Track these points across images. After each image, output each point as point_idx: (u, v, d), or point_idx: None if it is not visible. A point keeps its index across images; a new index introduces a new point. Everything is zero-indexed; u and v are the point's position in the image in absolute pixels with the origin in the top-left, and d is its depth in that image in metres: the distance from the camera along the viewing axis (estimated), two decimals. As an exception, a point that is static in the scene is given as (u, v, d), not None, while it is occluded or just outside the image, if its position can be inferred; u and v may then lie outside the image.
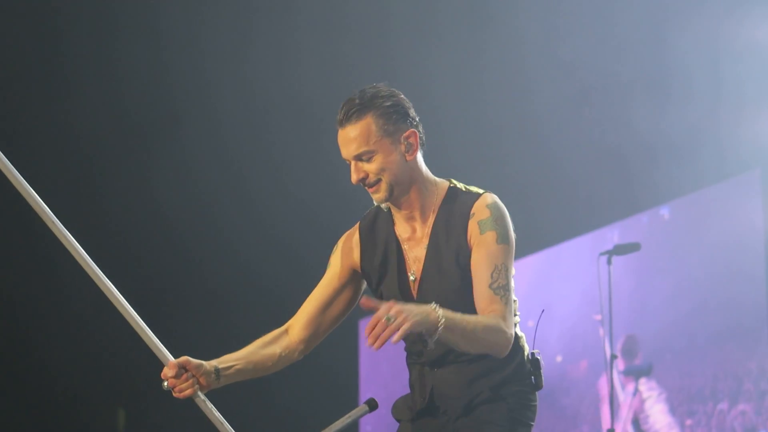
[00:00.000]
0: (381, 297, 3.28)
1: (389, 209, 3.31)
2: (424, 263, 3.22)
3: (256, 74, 8.22)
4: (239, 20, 8.14)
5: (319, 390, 8.69)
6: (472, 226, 3.15)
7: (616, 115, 7.68)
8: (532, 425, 3.20)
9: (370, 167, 3.17)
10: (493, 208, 3.17)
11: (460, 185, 3.28)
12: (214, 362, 3.18)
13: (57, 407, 8.72)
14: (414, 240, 3.26)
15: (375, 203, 3.24)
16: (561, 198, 7.85)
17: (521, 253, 7.88)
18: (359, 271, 3.35)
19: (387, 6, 7.86)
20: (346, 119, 3.17)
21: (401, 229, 3.28)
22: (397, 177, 3.18)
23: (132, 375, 8.68)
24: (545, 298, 7.64)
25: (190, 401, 3.12)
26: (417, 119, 3.24)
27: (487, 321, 3.03)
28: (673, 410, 6.93)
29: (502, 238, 3.15)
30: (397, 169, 3.18)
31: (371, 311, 2.92)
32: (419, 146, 3.22)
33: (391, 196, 3.19)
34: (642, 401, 7.09)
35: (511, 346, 3.08)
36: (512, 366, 3.17)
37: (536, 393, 3.23)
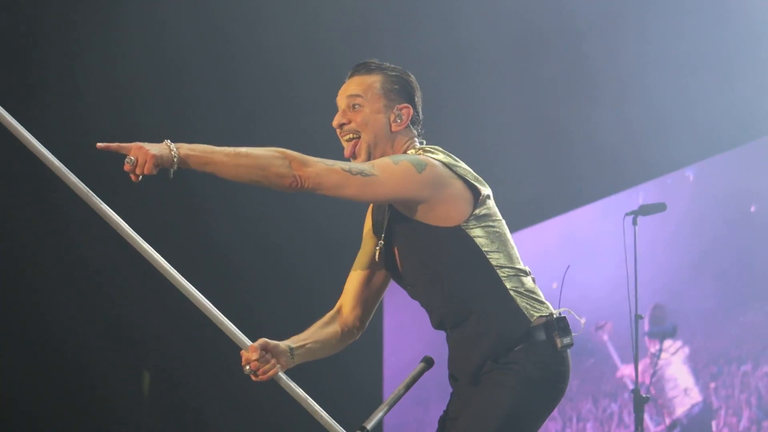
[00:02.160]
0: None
1: None
2: (384, 229, 3.27)
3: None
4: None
5: (344, 355, 8.70)
6: None
7: (638, 79, 7.66)
8: (562, 387, 3.16)
9: (355, 116, 3.23)
10: (410, 153, 3.19)
11: (428, 148, 3.26)
12: (286, 342, 3.23)
13: (83, 371, 8.77)
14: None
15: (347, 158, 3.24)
16: (586, 160, 7.83)
17: (547, 214, 7.96)
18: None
19: None
20: (356, 71, 3.29)
21: None
22: (377, 138, 3.24)
23: (158, 338, 8.74)
24: (570, 260, 7.62)
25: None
26: (419, 105, 3.32)
27: (261, 150, 2.94)
28: (697, 372, 6.93)
29: (396, 158, 3.12)
30: (378, 130, 3.24)
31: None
32: (409, 123, 3.27)
33: (367, 159, 3.22)
34: (666, 363, 7.09)
35: (296, 176, 2.95)
36: (520, 327, 3.12)
37: (565, 355, 3.19)
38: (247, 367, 3.14)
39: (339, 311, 3.42)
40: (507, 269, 3.15)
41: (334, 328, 3.37)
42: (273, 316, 8.58)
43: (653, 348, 7.15)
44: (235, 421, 8.92)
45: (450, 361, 3.25)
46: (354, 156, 3.24)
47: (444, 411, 3.28)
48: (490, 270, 3.13)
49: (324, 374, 8.16)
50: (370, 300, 3.43)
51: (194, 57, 8.27)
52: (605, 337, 7.52)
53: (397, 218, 3.20)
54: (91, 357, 8.73)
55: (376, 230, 3.35)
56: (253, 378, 3.15)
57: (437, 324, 3.27)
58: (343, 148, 3.28)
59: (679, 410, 6.98)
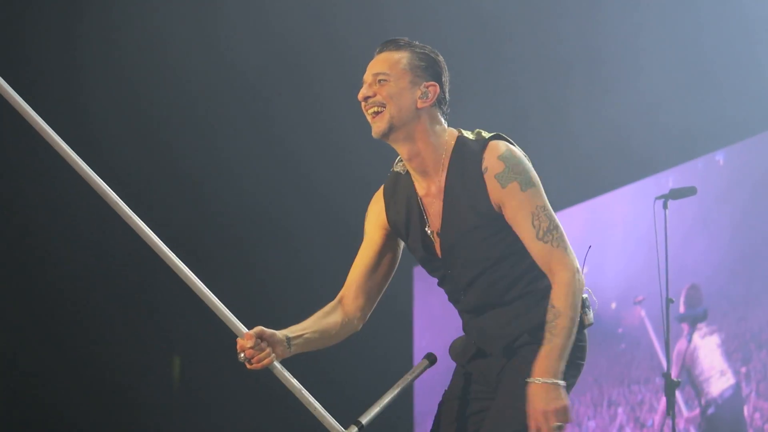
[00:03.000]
0: (412, 253, 3.40)
1: (407, 171, 3.36)
2: (442, 217, 3.27)
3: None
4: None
5: (375, 339, 8.73)
6: (491, 182, 3.19)
7: (662, 64, 7.65)
8: (580, 364, 3.24)
9: (380, 90, 3.23)
10: (505, 158, 3.21)
11: (467, 133, 3.32)
12: (284, 331, 3.23)
13: (112, 356, 8.81)
14: (431, 195, 3.31)
15: (373, 134, 3.27)
16: (616, 144, 7.82)
17: (576, 199, 7.95)
18: (390, 229, 3.42)
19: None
20: (385, 46, 3.30)
21: (419, 187, 3.33)
22: (401, 113, 3.23)
23: (186, 324, 8.76)
24: (601, 244, 7.62)
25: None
26: (446, 86, 3.33)
27: (563, 300, 3.11)
28: (728, 356, 6.91)
29: (525, 183, 3.20)
30: (403, 105, 3.23)
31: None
32: (435, 101, 3.28)
33: (389, 132, 3.24)
34: (697, 347, 7.07)
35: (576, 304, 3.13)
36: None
37: (584, 331, 3.25)
38: (242, 355, 3.15)
39: (341, 301, 3.43)
40: None
41: (335, 318, 3.37)
42: (282, 303, 8.60)
43: (685, 332, 7.13)
44: (257, 411, 8.94)
45: (480, 337, 3.29)
46: (376, 120, 3.25)
47: (450, 389, 3.37)
48: (529, 256, 3.21)
49: (354, 360, 8.19)
50: (373, 291, 3.44)
51: (192, 56, 8.30)
52: (642, 313, 7.49)
53: (464, 209, 3.23)
54: (123, 342, 8.80)
55: (408, 221, 3.34)
56: (248, 366, 3.15)
57: (474, 305, 3.29)
58: (367, 126, 3.29)
59: (711, 394, 6.96)
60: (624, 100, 7.70)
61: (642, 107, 7.65)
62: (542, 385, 3.01)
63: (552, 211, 3.21)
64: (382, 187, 3.47)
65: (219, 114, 8.68)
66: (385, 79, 3.23)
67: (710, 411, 6.95)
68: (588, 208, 7.97)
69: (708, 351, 7.02)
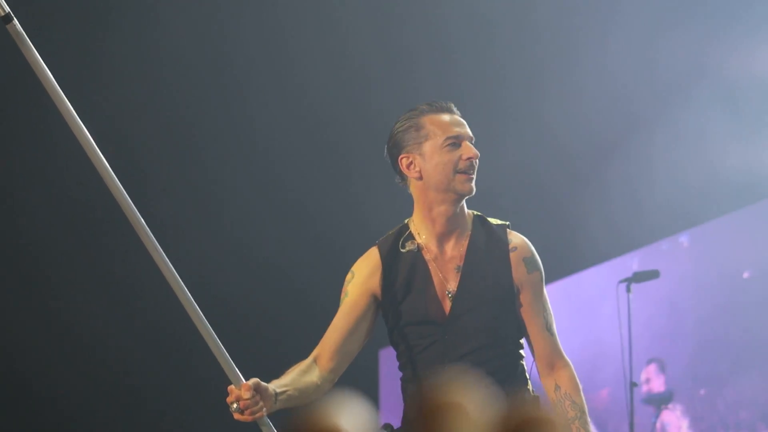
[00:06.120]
0: (399, 316, 3.36)
1: (409, 231, 3.38)
2: (459, 281, 3.31)
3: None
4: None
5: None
6: (517, 261, 3.35)
7: (632, 144, 7.69)
8: None
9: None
10: (531, 248, 3.40)
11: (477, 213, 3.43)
12: (271, 385, 3.17)
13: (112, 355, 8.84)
14: (443, 259, 3.35)
15: (466, 193, 3.33)
16: (578, 227, 7.84)
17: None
18: (378, 294, 3.38)
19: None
20: (454, 109, 3.39)
21: (428, 249, 3.35)
22: None
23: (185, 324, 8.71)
24: (565, 326, 7.61)
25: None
26: None
27: (580, 396, 3.40)
28: (695, 439, 6.89)
29: (543, 278, 3.41)
30: None
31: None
32: None
33: None
34: (663, 429, 7.04)
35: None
36: (526, 382, 3.36)
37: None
38: (235, 405, 3.10)
39: (316, 361, 3.36)
40: None
41: (312, 378, 3.30)
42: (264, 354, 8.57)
43: (650, 414, 7.11)
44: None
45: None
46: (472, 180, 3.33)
47: None
48: (521, 345, 3.41)
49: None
50: (347, 356, 3.39)
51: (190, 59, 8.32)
52: (602, 405, 7.47)
53: (486, 278, 3.32)
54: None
55: (409, 282, 3.35)
56: (237, 416, 3.10)
57: (462, 362, 3.31)
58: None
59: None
60: (589, 184, 7.74)
61: (606, 189, 7.68)
62: None
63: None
64: (372, 250, 3.44)
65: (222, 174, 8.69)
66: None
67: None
68: (554, 289, 7.96)
69: (675, 433, 7.00)
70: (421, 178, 3.31)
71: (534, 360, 3.39)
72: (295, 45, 8.10)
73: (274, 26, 8.05)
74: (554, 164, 8.06)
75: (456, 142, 3.30)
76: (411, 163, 3.32)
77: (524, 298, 3.34)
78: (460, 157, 3.29)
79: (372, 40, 7.99)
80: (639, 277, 6.31)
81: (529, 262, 3.35)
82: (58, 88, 2.83)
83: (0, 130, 7.94)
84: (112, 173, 2.91)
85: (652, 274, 6.31)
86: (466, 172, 3.30)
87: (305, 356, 3.37)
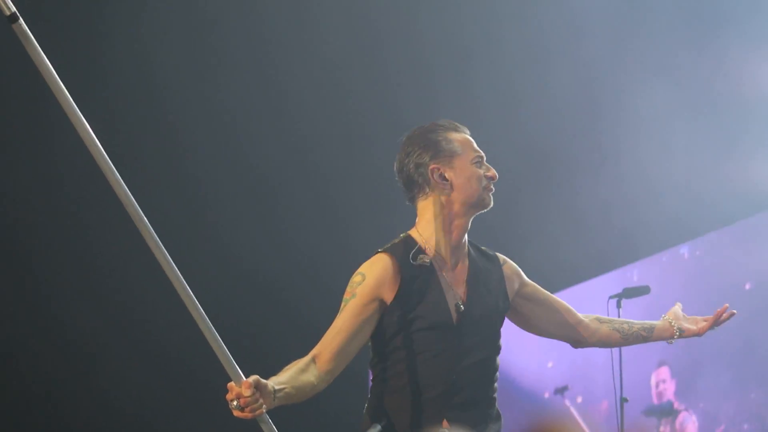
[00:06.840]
0: (409, 325, 3.37)
1: (418, 245, 3.41)
2: (468, 292, 3.40)
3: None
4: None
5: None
6: (510, 274, 3.56)
7: (633, 156, 7.69)
8: None
9: None
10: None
11: None
12: (270, 382, 3.14)
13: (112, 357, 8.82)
14: (453, 271, 3.44)
15: (489, 206, 3.49)
16: (579, 238, 7.83)
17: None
18: (387, 301, 3.37)
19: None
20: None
21: (440, 260, 3.42)
22: None
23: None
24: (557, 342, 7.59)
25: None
26: None
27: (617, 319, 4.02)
28: (696, 452, 6.88)
29: None
30: None
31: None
32: None
33: None
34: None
35: None
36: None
37: None
38: (235, 402, 3.07)
39: (314, 361, 3.32)
40: None
41: (309, 377, 3.26)
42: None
43: (651, 426, 7.09)
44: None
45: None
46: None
47: None
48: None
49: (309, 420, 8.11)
50: (346, 358, 3.35)
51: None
52: (601, 417, 7.46)
53: (489, 290, 3.47)
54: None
55: (424, 288, 3.39)
56: (237, 413, 3.08)
57: (466, 395, 3.35)
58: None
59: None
60: (589, 195, 7.74)
61: (607, 200, 7.68)
62: None
63: None
64: (383, 257, 3.41)
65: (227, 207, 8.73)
66: None
67: None
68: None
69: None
70: (452, 189, 3.41)
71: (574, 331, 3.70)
72: (286, 59, 8.19)
73: (264, 37, 8.13)
74: (547, 176, 8.06)
75: (480, 160, 3.46)
76: (442, 174, 3.40)
77: (532, 293, 3.60)
78: (484, 174, 3.46)
79: (357, 54, 8.08)
80: (629, 293, 6.30)
81: (519, 273, 3.59)
82: (64, 88, 2.82)
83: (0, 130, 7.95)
84: (118, 175, 2.89)
85: (643, 290, 6.31)
86: (490, 188, 3.47)
87: (300, 356, 3.34)
